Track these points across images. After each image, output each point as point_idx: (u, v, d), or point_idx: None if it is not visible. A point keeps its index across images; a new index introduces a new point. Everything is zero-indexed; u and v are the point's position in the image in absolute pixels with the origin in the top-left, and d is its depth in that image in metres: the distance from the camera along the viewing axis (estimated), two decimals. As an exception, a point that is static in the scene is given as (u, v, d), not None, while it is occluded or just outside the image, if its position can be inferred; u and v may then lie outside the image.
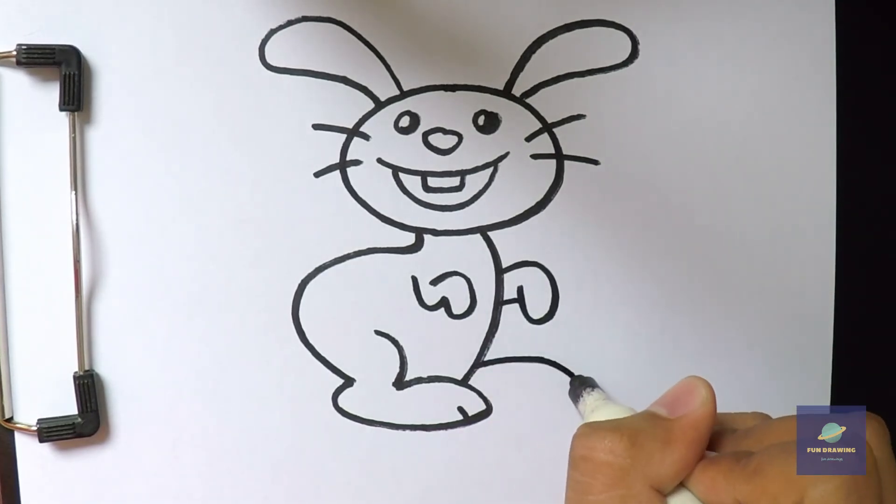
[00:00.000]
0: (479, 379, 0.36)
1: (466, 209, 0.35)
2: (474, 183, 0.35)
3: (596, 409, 0.31)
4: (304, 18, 0.34)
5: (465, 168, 0.35)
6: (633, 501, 0.25)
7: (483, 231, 0.35)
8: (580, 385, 0.34)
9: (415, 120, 0.35)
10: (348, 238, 0.35)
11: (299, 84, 0.34)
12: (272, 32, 0.34)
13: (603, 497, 0.25)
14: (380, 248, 0.35)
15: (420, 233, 0.35)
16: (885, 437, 0.26)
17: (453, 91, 0.35)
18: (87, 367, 0.33)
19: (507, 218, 0.35)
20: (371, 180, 0.35)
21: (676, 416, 0.26)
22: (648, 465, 0.25)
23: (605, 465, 0.25)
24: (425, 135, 0.35)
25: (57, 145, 0.33)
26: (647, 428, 0.26)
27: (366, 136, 0.35)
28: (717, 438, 0.28)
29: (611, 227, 0.36)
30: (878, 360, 0.38)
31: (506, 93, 0.35)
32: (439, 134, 0.35)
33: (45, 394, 0.33)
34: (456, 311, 0.35)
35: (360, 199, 0.35)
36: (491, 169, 0.35)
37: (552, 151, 0.35)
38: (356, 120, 0.34)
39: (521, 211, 0.35)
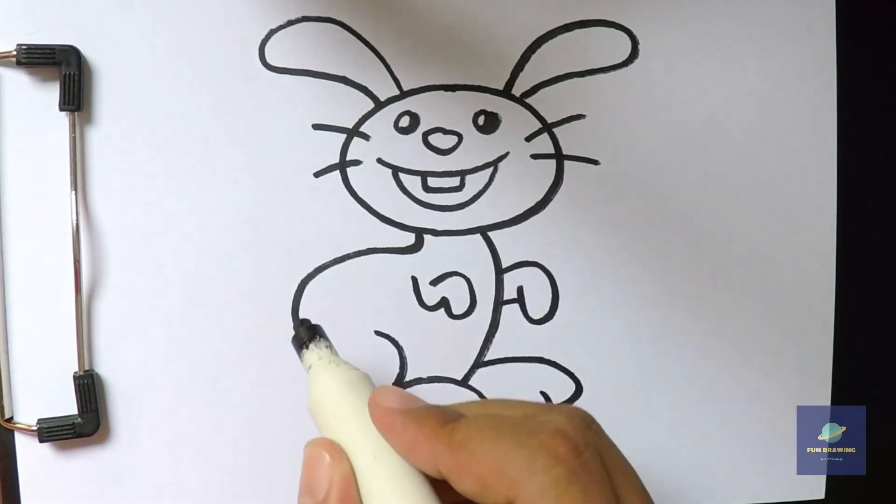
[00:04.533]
0: (479, 379, 0.36)
1: (466, 209, 0.35)
2: (474, 183, 0.35)
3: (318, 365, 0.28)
4: (304, 18, 0.34)
5: (465, 168, 0.35)
6: None
7: (483, 231, 0.35)
8: (306, 334, 0.29)
9: (415, 120, 0.35)
10: (348, 238, 0.35)
11: (299, 84, 0.34)
12: (272, 32, 0.34)
13: None
14: (380, 249, 0.35)
15: (420, 233, 0.35)
16: (594, 424, 0.25)
17: (453, 91, 0.35)
18: (87, 367, 0.33)
19: (507, 218, 0.35)
20: (371, 180, 0.35)
21: (323, 498, 0.25)
22: None
23: None
24: (425, 135, 0.35)
25: (57, 145, 0.33)
26: None
27: (366, 136, 0.35)
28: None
29: (611, 227, 0.36)
30: (878, 360, 0.38)
31: (506, 93, 0.35)
32: (439, 134, 0.35)
33: (45, 394, 0.33)
34: (456, 311, 0.35)
35: (360, 199, 0.35)
36: (491, 169, 0.35)
37: (552, 151, 0.35)
38: (356, 120, 0.34)
39: (521, 211, 0.35)
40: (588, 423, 0.24)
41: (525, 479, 0.22)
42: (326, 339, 0.28)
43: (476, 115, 0.35)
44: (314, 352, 0.28)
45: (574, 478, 0.22)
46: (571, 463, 0.22)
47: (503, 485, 0.22)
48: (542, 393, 0.36)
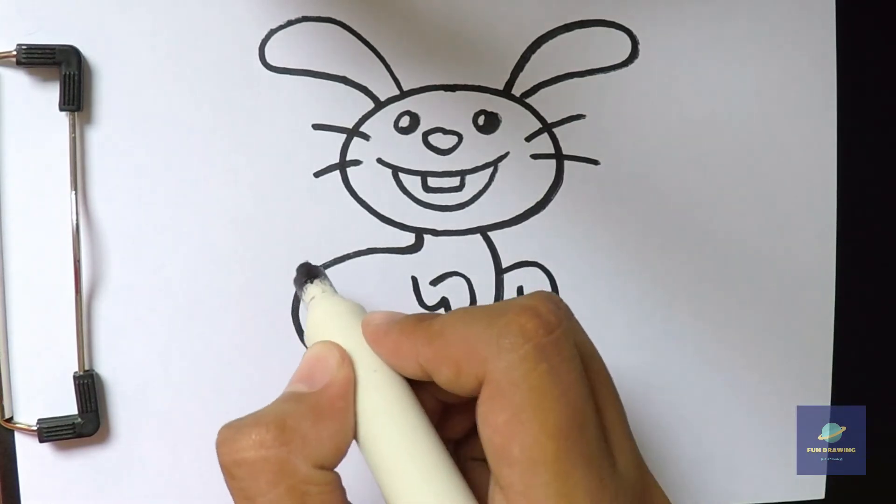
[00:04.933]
0: (479, 379, 0.36)
1: (466, 209, 0.35)
2: (474, 183, 0.35)
3: (316, 297, 0.29)
4: (304, 18, 0.34)
5: (465, 168, 0.35)
6: (305, 487, 0.22)
7: (483, 231, 0.35)
8: (310, 271, 0.31)
9: (415, 120, 0.35)
10: (348, 238, 0.35)
11: (299, 84, 0.34)
12: (272, 32, 0.34)
13: (272, 496, 0.22)
14: (380, 249, 0.35)
15: (420, 233, 0.35)
16: (564, 305, 0.24)
17: (453, 91, 0.35)
18: (87, 367, 0.33)
19: (507, 218, 0.35)
20: (371, 180, 0.35)
21: (318, 389, 0.24)
22: (306, 446, 0.23)
23: (261, 461, 0.22)
24: (425, 135, 0.35)
25: (57, 145, 0.33)
26: (292, 409, 0.23)
27: (366, 136, 0.35)
28: None
29: (611, 228, 0.36)
30: (878, 360, 0.38)
31: (506, 93, 0.35)
32: (439, 134, 0.35)
33: (45, 394, 0.33)
34: (456, 311, 0.35)
35: (360, 199, 0.35)
36: (491, 169, 0.35)
37: (552, 151, 0.35)
38: (356, 120, 0.34)
39: (521, 211, 0.35)
40: (558, 304, 0.23)
41: (493, 356, 0.21)
42: (327, 277, 0.30)
43: (476, 115, 0.35)
44: (318, 286, 0.29)
45: (542, 356, 0.21)
46: (540, 340, 0.21)
47: (473, 365, 0.22)
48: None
